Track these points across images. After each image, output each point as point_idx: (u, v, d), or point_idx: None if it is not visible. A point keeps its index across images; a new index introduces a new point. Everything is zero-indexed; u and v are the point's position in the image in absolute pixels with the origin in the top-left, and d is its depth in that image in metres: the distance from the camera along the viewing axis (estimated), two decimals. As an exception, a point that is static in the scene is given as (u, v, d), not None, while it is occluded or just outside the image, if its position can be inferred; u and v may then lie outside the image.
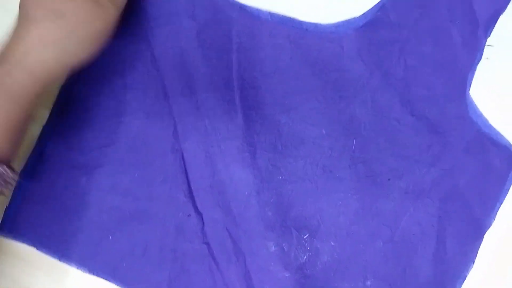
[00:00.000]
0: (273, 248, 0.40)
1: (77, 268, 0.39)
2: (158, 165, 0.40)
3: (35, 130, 0.40)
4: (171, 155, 0.40)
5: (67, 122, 0.40)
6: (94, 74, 0.41)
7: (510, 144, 0.42)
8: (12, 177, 0.31)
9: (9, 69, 0.31)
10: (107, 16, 0.35)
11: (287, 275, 0.40)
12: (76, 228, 0.39)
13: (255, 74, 0.41)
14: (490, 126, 0.42)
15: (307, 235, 0.41)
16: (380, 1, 0.42)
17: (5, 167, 0.31)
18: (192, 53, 0.41)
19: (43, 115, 0.41)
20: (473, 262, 0.41)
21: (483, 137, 0.42)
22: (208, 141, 0.40)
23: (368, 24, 0.42)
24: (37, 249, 0.40)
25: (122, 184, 0.40)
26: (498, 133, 0.42)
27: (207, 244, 0.40)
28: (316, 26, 0.42)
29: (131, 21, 0.41)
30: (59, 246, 0.39)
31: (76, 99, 0.40)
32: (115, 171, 0.40)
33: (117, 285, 0.39)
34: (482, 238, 0.41)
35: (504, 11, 0.42)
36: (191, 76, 0.40)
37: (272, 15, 0.42)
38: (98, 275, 0.39)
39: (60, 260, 0.39)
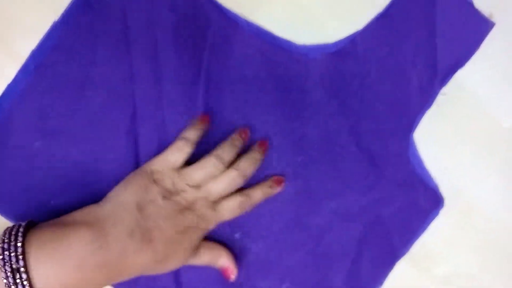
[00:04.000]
0: (204, 239, 0.43)
1: (14, 225, 0.41)
2: (111, 144, 0.41)
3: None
4: (125, 137, 0.41)
5: (31, 85, 0.40)
6: (66, 44, 0.41)
7: (437, 188, 0.46)
8: None
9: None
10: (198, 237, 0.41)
11: (211, 265, 0.43)
12: (20, 187, 0.40)
13: (222, 77, 0.43)
14: (423, 168, 0.46)
15: (238, 233, 0.44)
16: (353, 33, 0.44)
17: None
18: (165, 44, 0.41)
19: (10, 73, 0.41)
20: (381, 285, 0.45)
21: (415, 177, 0.45)
22: (164, 131, 0.42)
23: (338, 53, 0.44)
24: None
25: (72, 155, 0.41)
26: (429, 176, 0.46)
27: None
28: (289, 44, 0.44)
29: (111, 0, 0.42)
30: (1, 201, 0.40)
31: (44, 65, 0.41)
32: (68, 141, 0.41)
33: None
34: (394, 265, 0.46)
35: (463, 65, 0.45)
36: (160, 66, 0.41)
37: (249, 24, 0.43)
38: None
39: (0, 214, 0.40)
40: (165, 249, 0.37)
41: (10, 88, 0.40)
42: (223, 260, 0.42)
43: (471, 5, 0.44)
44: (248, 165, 0.41)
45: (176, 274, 0.43)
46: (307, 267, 0.44)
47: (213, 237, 0.43)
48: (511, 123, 0.46)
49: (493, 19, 0.45)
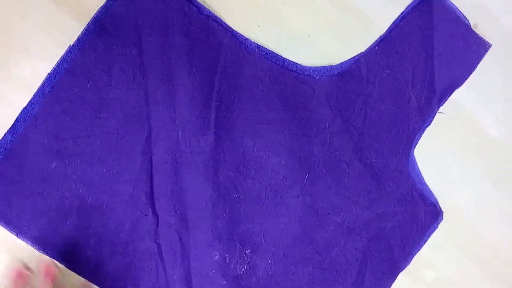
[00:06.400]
0: (216, 257, 0.44)
1: (32, 246, 0.41)
2: (126, 165, 0.42)
3: (11, 113, 0.41)
4: (140, 157, 0.43)
5: (47, 108, 0.41)
6: (82, 67, 0.42)
7: (437, 202, 0.48)
8: None
9: None
10: None
11: (224, 283, 0.44)
12: (37, 208, 0.41)
13: (233, 98, 0.44)
14: (423, 184, 0.48)
15: (248, 250, 0.45)
16: (357, 55, 0.46)
17: None
18: (179, 68, 0.43)
19: (24, 97, 0.41)
20: (384, 296, 0.47)
21: (416, 192, 0.47)
22: (177, 151, 0.43)
23: (342, 74, 0.46)
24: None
25: (88, 175, 0.42)
26: (429, 191, 0.48)
27: (158, 243, 0.43)
28: (296, 66, 0.46)
29: (126, 25, 0.43)
30: (18, 222, 0.41)
31: (60, 88, 0.41)
32: (84, 162, 0.42)
33: (67, 268, 0.41)
34: (396, 277, 0.47)
35: (460, 86, 0.48)
36: (174, 88, 0.43)
37: (259, 47, 0.45)
38: (50, 255, 0.41)
39: (17, 236, 0.41)
40: None
41: (26, 111, 0.41)
42: None
43: (469, 27, 0.47)
44: None
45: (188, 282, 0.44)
46: (314, 280, 0.46)
47: (224, 254, 0.44)
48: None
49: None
